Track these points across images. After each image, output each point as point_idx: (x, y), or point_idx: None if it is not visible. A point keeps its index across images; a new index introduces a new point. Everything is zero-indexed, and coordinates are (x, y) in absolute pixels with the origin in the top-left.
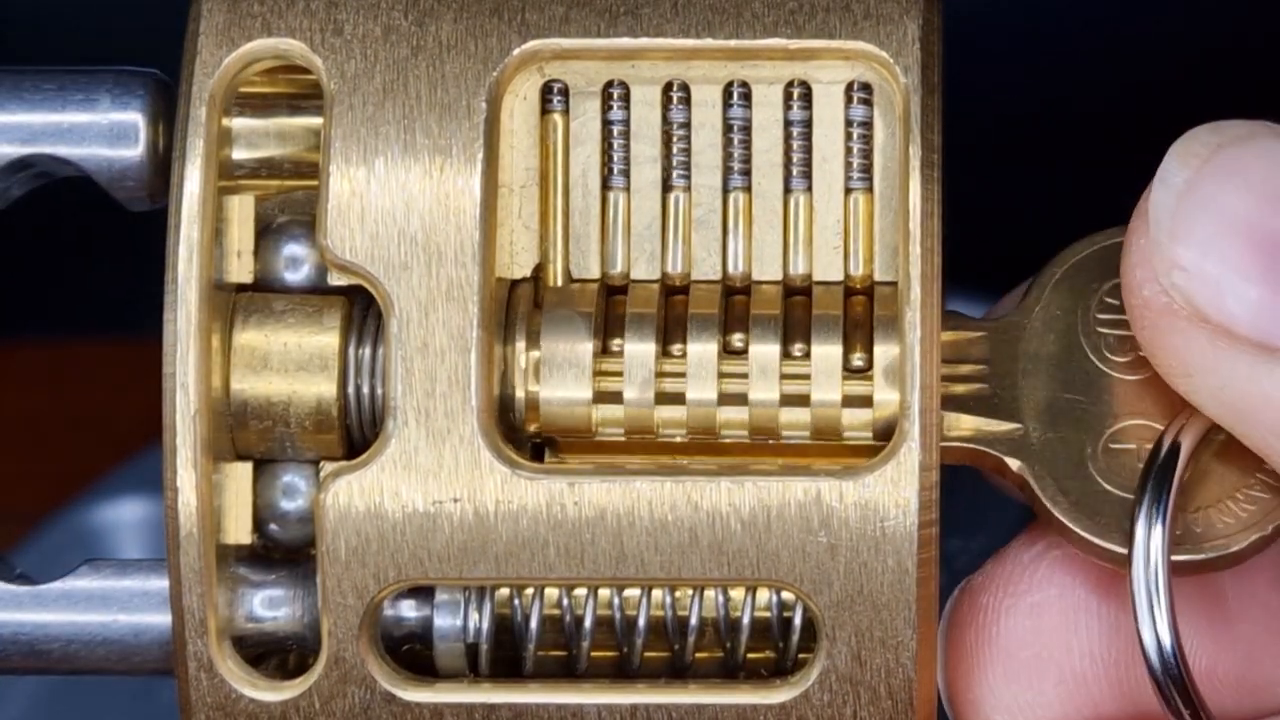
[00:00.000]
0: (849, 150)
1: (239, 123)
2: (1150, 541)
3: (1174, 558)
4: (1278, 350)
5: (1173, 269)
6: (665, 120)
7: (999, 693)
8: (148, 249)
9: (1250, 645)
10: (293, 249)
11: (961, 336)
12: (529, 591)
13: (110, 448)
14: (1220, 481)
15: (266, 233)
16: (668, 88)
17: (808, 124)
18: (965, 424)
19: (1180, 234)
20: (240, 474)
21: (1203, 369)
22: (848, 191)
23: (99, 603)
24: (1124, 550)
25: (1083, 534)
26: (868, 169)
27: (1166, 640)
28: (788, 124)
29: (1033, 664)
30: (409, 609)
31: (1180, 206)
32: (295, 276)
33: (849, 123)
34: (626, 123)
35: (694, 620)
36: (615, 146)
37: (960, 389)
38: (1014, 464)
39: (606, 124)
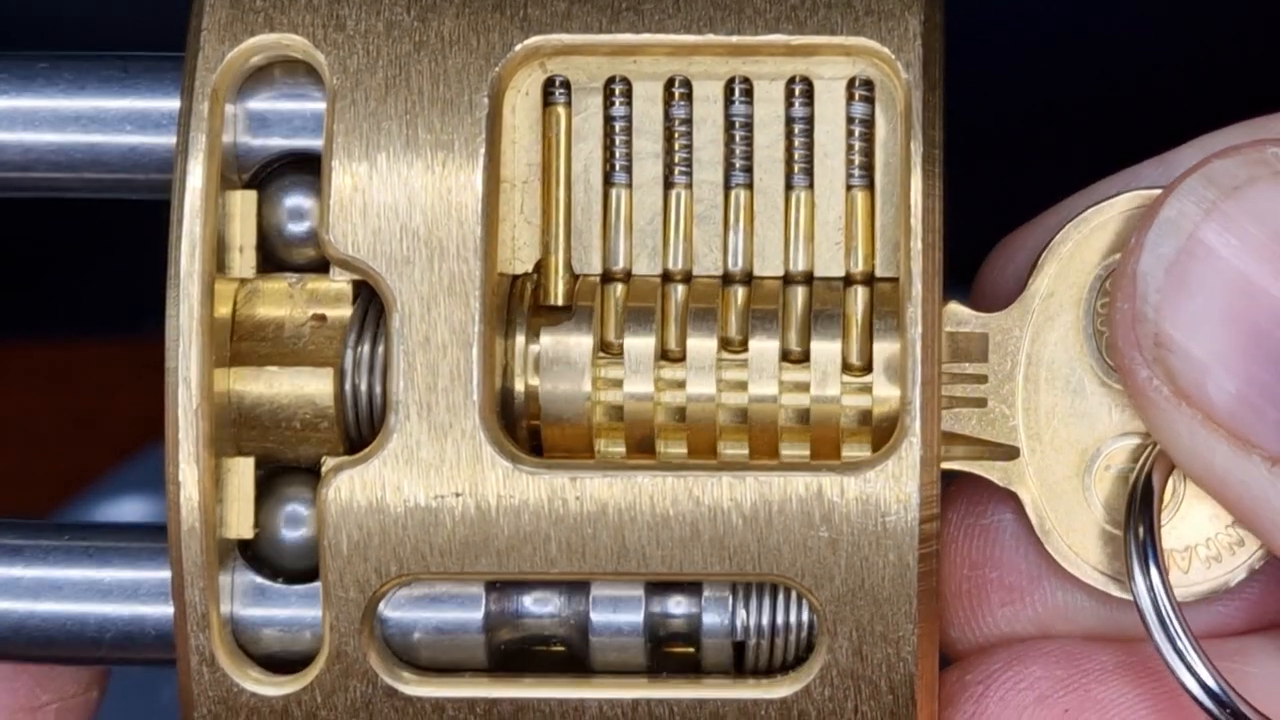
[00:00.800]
0: (850, 146)
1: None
2: (1155, 594)
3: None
4: (1253, 446)
5: (1157, 346)
6: (667, 116)
7: (949, 607)
8: (148, 248)
9: None
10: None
11: (961, 333)
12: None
13: (110, 448)
14: (1210, 519)
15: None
16: (669, 84)
17: (809, 120)
18: (958, 449)
19: (1166, 311)
20: (242, 469)
21: (1183, 448)
22: (849, 187)
23: None
24: (1103, 588)
25: (1072, 571)
26: (869, 165)
27: (1212, 683)
28: (789, 120)
29: (978, 582)
30: (681, 604)
31: (1169, 281)
32: (295, 227)
33: (850, 119)
34: (628, 118)
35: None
36: (617, 142)
37: (959, 394)
38: (1006, 488)
39: (608, 120)
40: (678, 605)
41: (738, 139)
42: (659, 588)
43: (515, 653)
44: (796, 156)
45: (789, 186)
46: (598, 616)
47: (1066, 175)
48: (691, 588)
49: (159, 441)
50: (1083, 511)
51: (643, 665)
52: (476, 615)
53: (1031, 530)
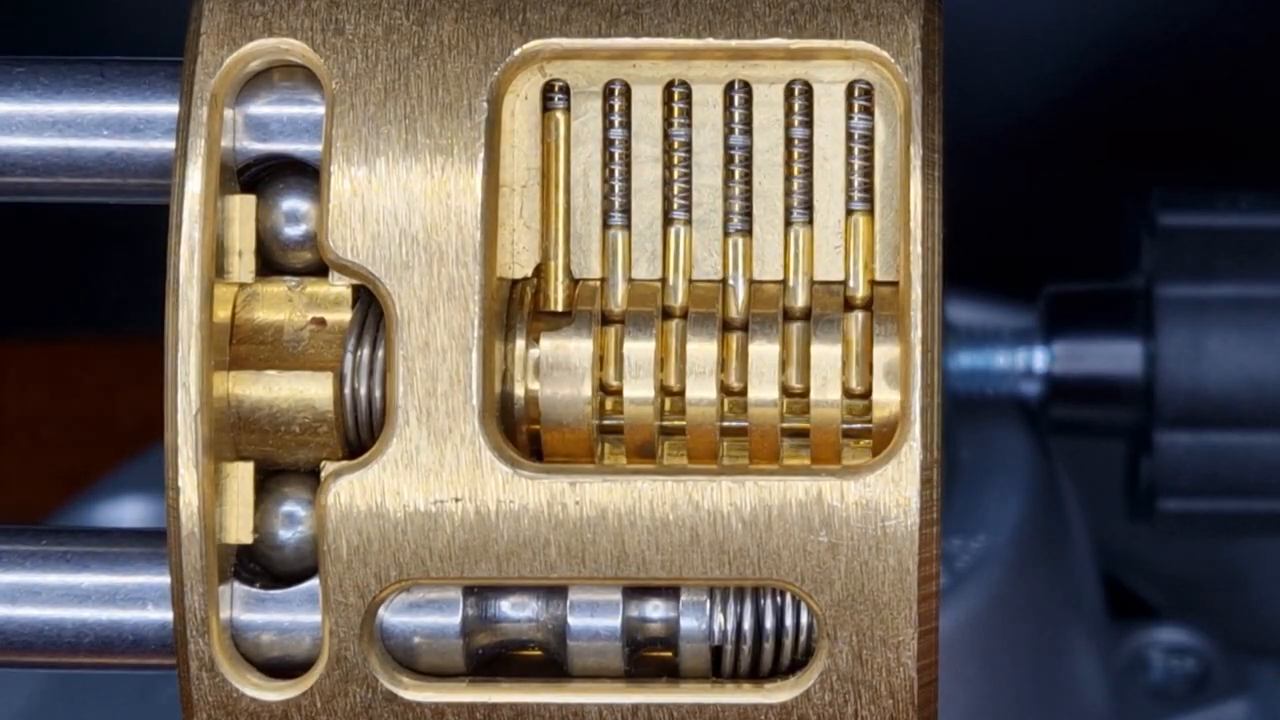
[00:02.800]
0: (849, 150)
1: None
2: None
3: None
4: None
5: None
6: (666, 120)
7: None
8: (148, 249)
9: None
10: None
11: None
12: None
13: (110, 448)
14: None
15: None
16: (669, 87)
17: (808, 124)
18: None
19: None
20: (241, 474)
21: None
22: (848, 191)
23: None
24: None
25: None
26: (868, 169)
27: None
28: (789, 124)
29: None
30: (659, 609)
31: None
32: (294, 232)
33: (849, 122)
34: (627, 122)
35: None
36: (616, 146)
37: None
38: None
39: (607, 124)
40: (655, 610)
41: (737, 143)
42: (636, 592)
43: (493, 658)
44: (796, 160)
45: (788, 190)
46: (575, 621)
47: (1066, 176)
48: (669, 592)
49: (159, 442)
50: None
51: (620, 670)
52: (454, 620)
53: None
